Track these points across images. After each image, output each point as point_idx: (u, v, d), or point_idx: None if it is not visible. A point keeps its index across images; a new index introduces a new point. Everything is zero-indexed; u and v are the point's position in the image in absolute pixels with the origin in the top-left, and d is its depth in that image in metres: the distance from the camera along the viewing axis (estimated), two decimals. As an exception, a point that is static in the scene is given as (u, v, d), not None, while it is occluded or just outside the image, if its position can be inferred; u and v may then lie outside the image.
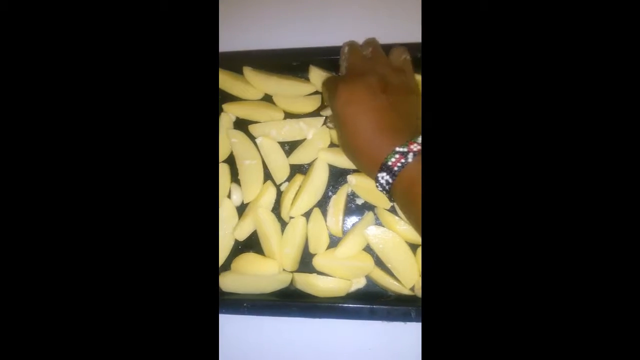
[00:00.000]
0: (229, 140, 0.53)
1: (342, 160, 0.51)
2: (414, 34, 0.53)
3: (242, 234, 0.51)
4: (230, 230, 0.51)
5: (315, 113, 0.53)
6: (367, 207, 0.52)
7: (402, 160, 0.36)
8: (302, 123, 0.52)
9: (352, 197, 0.52)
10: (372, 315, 0.46)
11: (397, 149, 0.37)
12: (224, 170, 0.52)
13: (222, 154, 0.53)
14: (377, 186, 0.40)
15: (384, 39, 0.53)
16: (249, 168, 0.52)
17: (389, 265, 0.48)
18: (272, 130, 0.53)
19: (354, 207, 0.52)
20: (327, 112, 0.53)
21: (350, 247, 0.49)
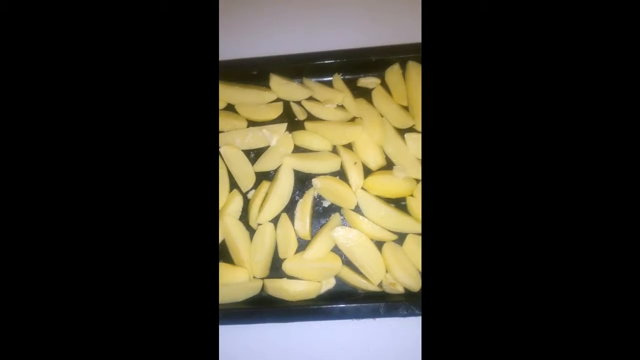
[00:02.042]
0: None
1: (307, 165, 0.52)
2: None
3: (219, 242, 0.51)
4: (198, 240, 0.51)
5: (278, 120, 0.54)
6: (334, 209, 0.53)
7: None
8: (265, 130, 0.53)
9: (318, 200, 0.53)
10: (342, 315, 0.47)
11: None
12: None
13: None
14: None
15: (338, 45, 0.55)
16: (215, 177, 0.53)
17: (356, 264, 0.49)
18: (235, 139, 0.53)
19: (321, 209, 0.53)
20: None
21: (318, 249, 0.49)
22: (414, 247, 0.49)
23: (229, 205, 0.51)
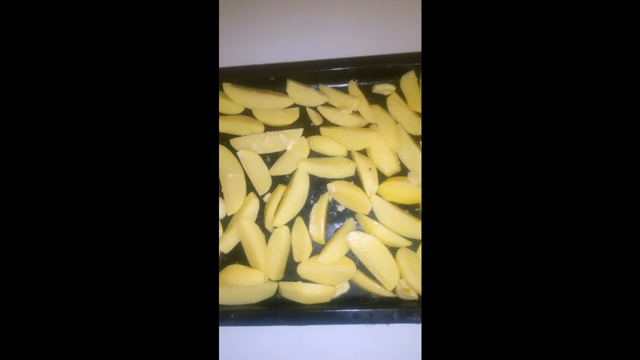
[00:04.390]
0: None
1: (322, 170, 0.53)
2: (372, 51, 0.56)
3: (227, 246, 0.52)
4: (215, 242, 0.52)
5: (295, 125, 0.55)
6: (348, 213, 0.53)
7: None
8: (281, 135, 0.54)
9: (333, 204, 0.54)
10: (356, 319, 0.47)
11: None
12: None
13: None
14: None
15: (354, 52, 0.56)
16: (232, 181, 0.53)
17: (370, 269, 0.50)
18: (253, 143, 0.54)
19: (335, 214, 0.53)
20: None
21: (333, 253, 0.50)
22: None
23: (245, 208, 0.52)
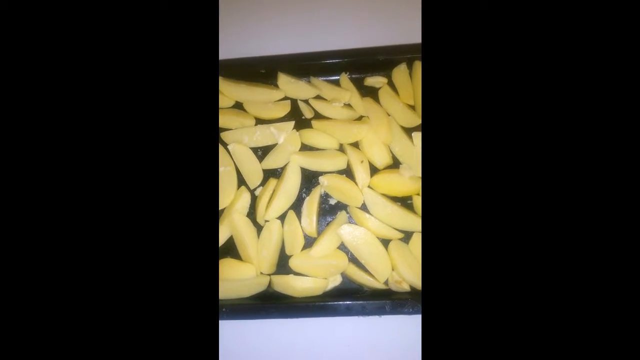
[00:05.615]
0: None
1: (314, 163, 0.53)
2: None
3: (219, 239, 0.52)
4: (206, 237, 0.52)
5: (286, 118, 0.55)
6: (340, 206, 0.53)
7: None
8: (272, 128, 0.54)
9: (325, 197, 0.54)
10: (348, 312, 0.47)
11: None
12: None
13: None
14: None
15: (345, 45, 0.56)
16: (223, 174, 0.53)
17: (362, 262, 0.50)
18: (244, 137, 0.54)
19: (327, 207, 0.53)
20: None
21: (325, 246, 0.50)
22: (419, 246, 0.49)
23: (236, 202, 0.52)
